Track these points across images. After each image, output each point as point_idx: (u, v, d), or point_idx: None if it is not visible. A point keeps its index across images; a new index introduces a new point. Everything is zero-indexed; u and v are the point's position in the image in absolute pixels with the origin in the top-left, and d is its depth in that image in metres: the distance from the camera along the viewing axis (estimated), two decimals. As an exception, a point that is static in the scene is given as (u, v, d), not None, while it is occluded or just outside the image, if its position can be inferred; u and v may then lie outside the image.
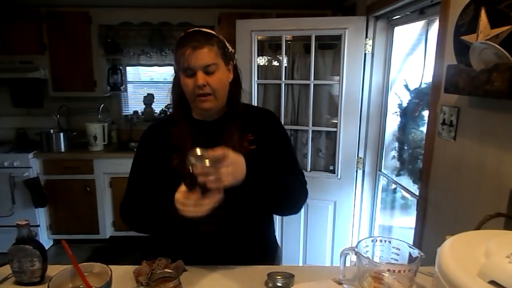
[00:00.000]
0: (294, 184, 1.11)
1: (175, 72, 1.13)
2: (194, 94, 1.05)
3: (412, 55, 2.37)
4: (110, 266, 0.90)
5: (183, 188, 0.91)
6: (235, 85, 1.14)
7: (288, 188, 1.08)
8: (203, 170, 0.85)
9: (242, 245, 1.13)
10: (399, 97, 2.45)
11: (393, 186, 2.59)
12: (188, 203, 0.89)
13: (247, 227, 1.14)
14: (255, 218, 1.17)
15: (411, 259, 0.84)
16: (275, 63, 2.88)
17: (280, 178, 1.06)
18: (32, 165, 3.15)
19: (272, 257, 1.25)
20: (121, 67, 3.59)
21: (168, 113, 3.44)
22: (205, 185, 0.86)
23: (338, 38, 2.43)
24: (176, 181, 1.09)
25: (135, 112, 3.73)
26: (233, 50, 1.12)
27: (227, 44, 1.10)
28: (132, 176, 1.17)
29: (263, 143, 1.12)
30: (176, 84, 1.12)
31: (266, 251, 1.23)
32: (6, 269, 0.97)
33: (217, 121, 1.14)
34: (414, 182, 2.25)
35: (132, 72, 3.78)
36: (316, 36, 2.44)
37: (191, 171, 0.86)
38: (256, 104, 2.69)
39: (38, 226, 3.22)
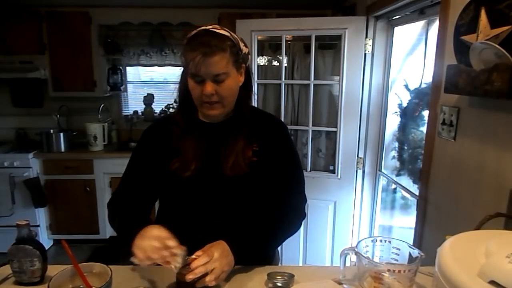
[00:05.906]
0: (284, 228, 1.12)
1: (183, 67, 1.07)
2: (201, 100, 1.02)
3: (412, 55, 2.37)
4: (110, 266, 0.89)
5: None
6: (245, 88, 1.10)
7: (278, 237, 1.12)
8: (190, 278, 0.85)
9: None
10: (399, 97, 2.45)
11: (393, 186, 2.59)
12: None
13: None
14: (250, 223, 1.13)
15: (411, 259, 0.84)
16: (275, 63, 2.88)
17: (268, 237, 1.08)
18: (32, 165, 3.15)
19: (269, 258, 1.23)
20: (121, 67, 3.59)
21: (169, 112, 3.43)
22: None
23: (338, 38, 2.43)
24: (174, 184, 1.07)
25: (135, 112, 3.73)
26: (247, 51, 1.07)
27: (241, 45, 1.05)
28: (126, 175, 1.16)
29: (267, 155, 1.10)
30: (184, 82, 1.07)
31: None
32: (6, 269, 0.97)
33: (222, 124, 1.11)
34: (414, 182, 2.25)
35: (132, 72, 3.78)
36: (316, 36, 2.43)
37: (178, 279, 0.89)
38: (256, 105, 2.68)
39: (38, 226, 3.22)
